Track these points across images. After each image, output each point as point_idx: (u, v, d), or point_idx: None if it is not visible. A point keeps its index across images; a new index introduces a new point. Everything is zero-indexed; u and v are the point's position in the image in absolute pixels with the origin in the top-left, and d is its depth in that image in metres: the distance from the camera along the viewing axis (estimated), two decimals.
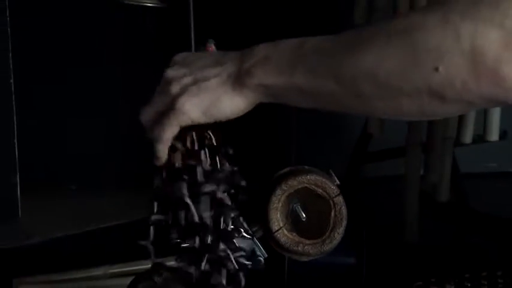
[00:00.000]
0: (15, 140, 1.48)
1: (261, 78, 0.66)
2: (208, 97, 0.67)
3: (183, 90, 0.68)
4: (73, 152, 1.63)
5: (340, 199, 0.72)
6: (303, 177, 0.72)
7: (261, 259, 0.75)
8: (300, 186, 0.72)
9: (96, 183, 1.65)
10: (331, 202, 0.72)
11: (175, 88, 0.68)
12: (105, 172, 1.67)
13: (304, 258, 0.75)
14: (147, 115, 0.70)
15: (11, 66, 1.42)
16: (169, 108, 0.68)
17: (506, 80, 0.56)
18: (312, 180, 0.72)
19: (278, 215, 0.73)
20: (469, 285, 1.03)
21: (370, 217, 1.27)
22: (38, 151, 1.59)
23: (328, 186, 0.72)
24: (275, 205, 0.72)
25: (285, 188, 0.72)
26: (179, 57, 0.71)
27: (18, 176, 1.50)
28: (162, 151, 0.69)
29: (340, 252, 1.16)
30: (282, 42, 0.67)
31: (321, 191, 0.72)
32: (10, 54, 1.41)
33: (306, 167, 0.74)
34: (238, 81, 0.67)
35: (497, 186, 1.75)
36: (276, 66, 0.65)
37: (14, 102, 1.45)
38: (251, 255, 0.75)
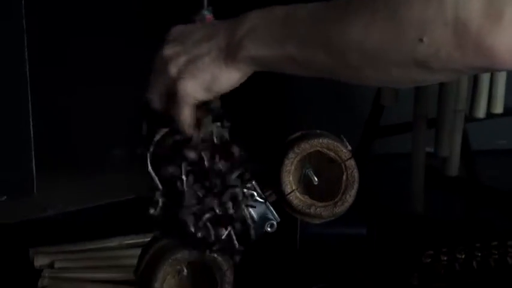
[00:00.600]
0: (30, 117, 1.50)
1: (251, 50, 0.67)
2: (206, 75, 0.69)
3: (181, 72, 0.69)
4: (87, 129, 1.65)
5: (352, 162, 0.74)
6: (315, 140, 0.73)
7: (274, 223, 0.76)
8: (312, 150, 0.73)
9: (108, 160, 1.67)
10: (343, 165, 0.74)
11: (172, 69, 0.69)
12: (117, 149, 1.68)
13: (316, 221, 0.76)
14: (155, 101, 0.72)
15: (26, 43, 1.44)
16: (173, 91, 0.70)
17: (489, 50, 0.57)
18: (324, 143, 0.73)
19: (290, 178, 0.74)
20: (479, 254, 1.05)
21: (380, 190, 1.28)
22: (52, 128, 1.61)
23: (340, 149, 0.73)
24: (288, 168, 0.74)
25: (298, 151, 0.73)
26: (176, 31, 0.72)
27: (33, 153, 1.53)
28: (188, 128, 0.71)
29: (351, 223, 1.17)
30: (270, 11, 0.67)
31: (333, 154, 0.73)
32: (25, 27, 1.43)
33: (318, 131, 0.75)
34: (230, 55, 0.68)
35: (506, 163, 1.75)
36: (266, 38, 0.66)
37: (28, 79, 1.47)
38: (264, 219, 0.77)
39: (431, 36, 0.58)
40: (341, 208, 0.74)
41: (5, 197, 1.50)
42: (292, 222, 1.17)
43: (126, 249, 1.22)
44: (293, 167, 0.74)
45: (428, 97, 1.30)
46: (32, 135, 1.51)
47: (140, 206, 1.50)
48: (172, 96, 0.70)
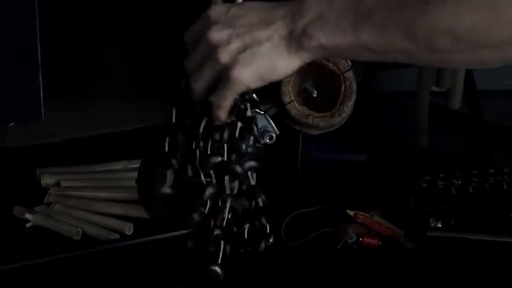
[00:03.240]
0: (38, 43, 1.51)
1: (321, 39, 0.63)
2: (263, 63, 0.65)
3: (235, 59, 0.65)
4: (96, 57, 1.66)
5: (350, 74, 0.75)
6: None
7: (273, 135, 0.78)
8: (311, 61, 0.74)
9: (116, 91, 1.68)
10: (341, 77, 0.75)
11: (224, 56, 0.65)
12: (126, 81, 1.70)
13: (314, 132, 0.78)
14: (199, 86, 0.67)
15: None
16: (224, 78, 0.66)
17: None
18: None
19: (290, 88, 0.76)
20: (475, 180, 1.06)
21: (383, 125, 1.29)
22: (60, 55, 1.62)
23: (340, 61, 0.75)
24: (287, 78, 0.75)
25: None
26: (215, 13, 0.66)
27: (41, 80, 1.54)
28: (224, 116, 0.69)
29: (352, 150, 1.19)
30: None
31: (332, 65, 0.75)
32: None
33: None
34: (293, 43, 0.64)
35: None
36: (337, 25, 0.62)
37: (36, 4, 1.47)
38: (263, 131, 0.78)
39: None
40: (338, 119, 0.75)
41: (13, 123, 1.52)
42: (294, 148, 1.19)
43: (130, 171, 1.24)
44: (292, 78, 0.75)
45: None
46: (39, 62, 1.52)
47: (146, 134, 1.52)
48: (221, 83, 0.66)
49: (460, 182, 1.06)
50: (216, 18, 0.66)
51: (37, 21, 1.50)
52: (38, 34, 1.50)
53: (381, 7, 0.61)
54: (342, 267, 0.96)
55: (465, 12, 0.58)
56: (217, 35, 0.65)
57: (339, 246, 0.98)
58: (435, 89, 1.45)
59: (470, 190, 1.05)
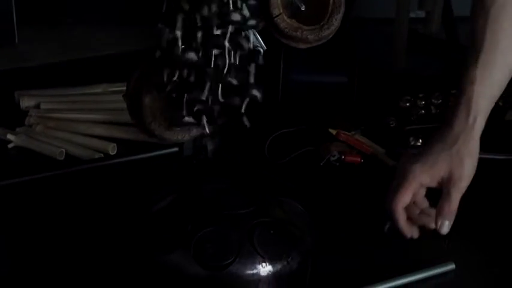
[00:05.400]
0: None
1: None
2: None
3: None
4: None
5: None
6: None
7: (260, 50, 0.78)
8: None
9: (92, 17, 1.66)
10: None
11: None
12: (102, 7, 1.67)
13: (302, 45, 0.78)
14: None
15: None
16: None
17: None
18: None
19: (278, 1, 0.75)
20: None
21: (362, 50, 1.29)
22: None
23: None
24: None
25: None
26: None
27: (13, 4, 1.51)
28: None
29: (333, 72, 1.20)
30: None
31: None
32: None
33: None
34: None
35: None
36: None
37: None
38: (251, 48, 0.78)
39: None
40: (327, 31, 0.75)
41: None
42: (275, 70, 1.19)
43: (110, 94, 1.24)
44: None
45: None
46: None
47: (124, 59, 1.50)
48: None
49: (439, 102, 1.08)
50: None
51: None
52: None
53: None
54: (324, 183, 0.97)
55: None
56: None
57: (321, 164, 1.00)
58: (413, 14, 1.46)
59: None
